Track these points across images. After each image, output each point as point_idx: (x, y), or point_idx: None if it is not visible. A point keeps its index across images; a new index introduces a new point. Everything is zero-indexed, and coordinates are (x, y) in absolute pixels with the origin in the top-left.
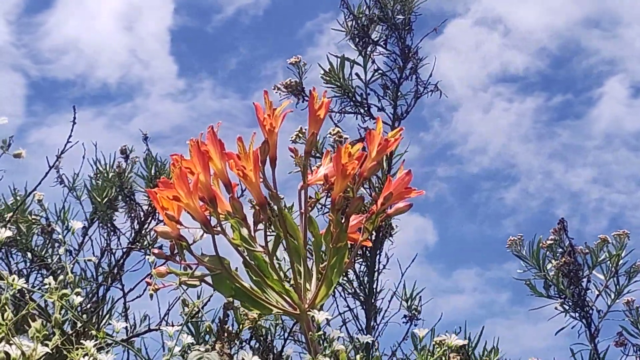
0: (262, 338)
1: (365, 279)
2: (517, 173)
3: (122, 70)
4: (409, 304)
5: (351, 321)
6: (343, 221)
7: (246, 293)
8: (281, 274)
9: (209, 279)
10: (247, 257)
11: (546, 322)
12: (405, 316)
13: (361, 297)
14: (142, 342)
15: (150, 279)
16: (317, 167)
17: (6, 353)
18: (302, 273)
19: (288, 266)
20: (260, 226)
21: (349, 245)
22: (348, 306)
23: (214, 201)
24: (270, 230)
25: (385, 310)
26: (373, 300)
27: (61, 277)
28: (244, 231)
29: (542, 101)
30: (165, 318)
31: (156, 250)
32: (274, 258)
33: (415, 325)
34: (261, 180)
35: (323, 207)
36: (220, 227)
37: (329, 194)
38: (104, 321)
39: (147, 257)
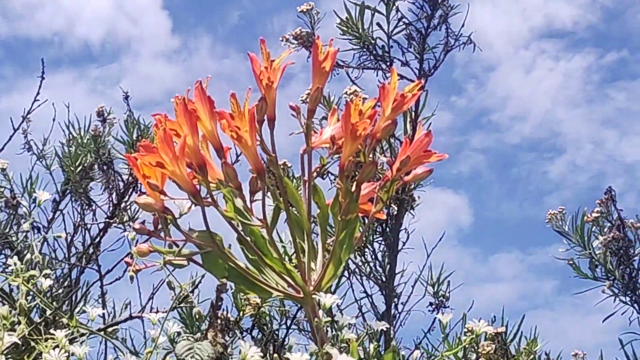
0: (265, 327)
1: (385, 259)
2: (564, 143)
3: (106, 27)
4: (435, 289)
5: (370, 312)
6: (353, 190)
7: (241, 274)
8: (282, 251)
9: (198, 257)
10: (242, 232)
11: (599, 314)
12: (431, 304)
13: (380, 281)
14: (128, 332)
15: (131, 258)
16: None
17: None
18: (306, 250)
19: (290, 243)
20: (258, 196)
21: (360, 218)
22: (365, 291)
23: (203, 168)
24: (269, 201)
25: (408, 297)
26: (394, 285)
27: (28, 256)
28: (239, 202)
29: (593, 59)
30: (150, 303)
31: (137, 225)
32: (273, 233)
33: (443, 314)
34: (258, 143)
35: (329, 174)
36: (211, 197)
37: (337, 159)
38: (77, 308)
39: (126, 234)
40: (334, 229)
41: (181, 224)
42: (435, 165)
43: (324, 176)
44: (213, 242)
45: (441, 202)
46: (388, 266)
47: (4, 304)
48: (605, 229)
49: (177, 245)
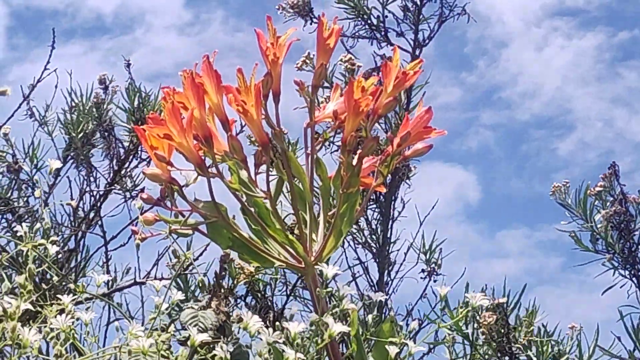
0: (259, 294)
1: (379, 227)
2: (574, 120)
3: None
4: (427, 257)
5: (362, 276)
6: (355, 164)
7: (245, 243)
8: (284, 222)
9: (203, 227)
10: (247, 203)
11: (606, 290)
12: (423, 270)
13: (373, 248)
14: (124, 297)
15: (136, 226)
16: (325, 99)
17: None
18: (308, 222)
19: (292, 214)
20: (262, 169)
21: (361, 191)
22: (359, 258)
23: (209, 140)
24: (273, 174)
25: (401, 264)
26: (387, 252)
27: (38, 225)
28: (243, 174)
29: (604, 38)
30: (155, 270)
31: (145, 195)
32: (277, 205)
33: (435, 281)
34: (263, 117)
35: (331, 145)
36: (217, 169)
37: (339, 133)
38: (80, 273)
39: (127, 201)
40: (335, 202)
41: (187, 195)
42: (445, 141)
43: (321, 147)
44: (218, 212)
45: (450, 178)
46: (382, 234)
47: (12, 270)
48: (608, 203)
49: (183, 215)
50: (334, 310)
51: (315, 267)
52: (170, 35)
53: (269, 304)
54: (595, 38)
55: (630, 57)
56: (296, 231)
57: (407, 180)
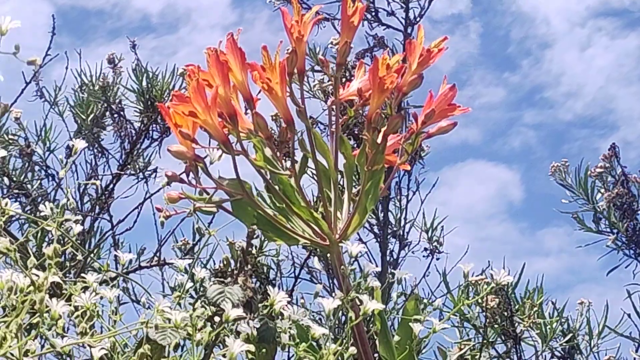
0: (262, 276)
1: (379, 207)
2: (616, 120)
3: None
4: (429, 235)
5: (362, 255)
6: (379, 141)
7: (269, 221)
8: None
9: (227, 204)
10: (271, 181)
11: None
12: (425, 249)
13: (376, 228)
14: (140, 278)
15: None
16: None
17: None
18: (333, 199)
19: (316, 191)
20: (286, 146)
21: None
22: (360, 239)
23: (234, 117)
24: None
25: (402, 243)
26: (388, 232)
27: (63, 201)
28: (268, 152)
29: None
30: (157, 254)
31: (169, 172)
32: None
33: (438, 259)
34: (288, 94)
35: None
36: (241, 146)
37: (362, 111)
38: (95, 255)
39: (140, 182)
40: (359, 180)
41: (212, 172)
42: (488, 140)
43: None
44: (243, 190)
45: (494, 177)
46: (382, 214)
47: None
48: (609, 184)
49: (208, 193)
50: (360, 288)
51: (340, 244)
52: (214, 35)
53: (273, 286)
54: (639, 38)
55: None
56: (320, 209)
57: (420, 160)
